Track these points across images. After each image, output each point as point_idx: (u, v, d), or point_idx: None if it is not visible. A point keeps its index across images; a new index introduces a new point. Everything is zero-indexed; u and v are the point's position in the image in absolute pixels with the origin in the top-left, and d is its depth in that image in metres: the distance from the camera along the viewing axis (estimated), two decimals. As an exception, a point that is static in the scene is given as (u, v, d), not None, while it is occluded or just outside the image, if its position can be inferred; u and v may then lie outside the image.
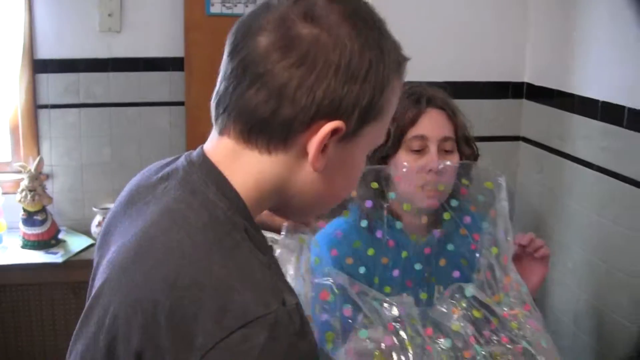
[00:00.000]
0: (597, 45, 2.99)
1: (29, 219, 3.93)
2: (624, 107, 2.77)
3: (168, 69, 4.19)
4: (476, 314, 1.64)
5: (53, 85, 4.12)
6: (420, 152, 2.28)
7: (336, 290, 1.71)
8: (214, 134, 1.33)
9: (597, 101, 2.93)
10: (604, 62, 2.93)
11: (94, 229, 4.10)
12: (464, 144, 2.40)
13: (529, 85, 3.51)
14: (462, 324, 1.63)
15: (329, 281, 1.72)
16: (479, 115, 3.49)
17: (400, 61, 1.32)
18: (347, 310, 1.71)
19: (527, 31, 3.51)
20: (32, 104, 4.12)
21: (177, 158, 1.37)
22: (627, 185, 2.78)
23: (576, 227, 3.09)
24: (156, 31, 4.17)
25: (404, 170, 1.94)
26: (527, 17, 3.49)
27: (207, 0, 4.10)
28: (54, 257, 3.85)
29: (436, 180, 2.23)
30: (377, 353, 1.59)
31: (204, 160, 1.31)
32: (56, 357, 3.88)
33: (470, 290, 1.67)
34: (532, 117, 3.47)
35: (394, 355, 1.56)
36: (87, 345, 1.28)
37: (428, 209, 2.27)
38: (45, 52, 4.10)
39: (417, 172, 2.24)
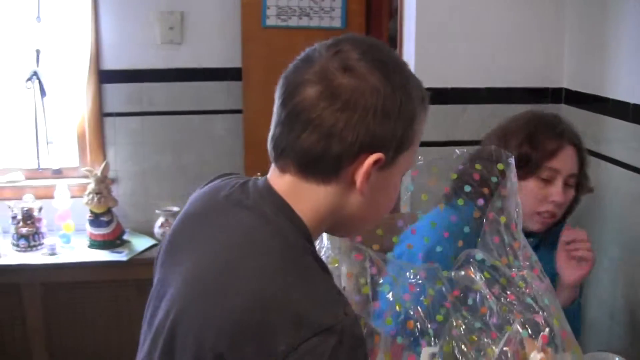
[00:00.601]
0: (628, 51, 3.09)
1: (96, 220, 4.13)
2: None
3: (226, 78, 4.36)
4: (486, 275, 1.78)
5: (117, 95, 4.32)
6: (548, 181, 2.42)
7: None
8: (275, 170, 1.54)
9: (628, 104, 3.05)
10: (636, 67, 3.04)
11: (157, 230, 4.29)
12: (584, 180, 2.55)
13: (567, 91, 3.59)
14: (481, 284, 1.78)
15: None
16: None
17: (423, 97, 1.54)
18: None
19: (564, 38, 3.57)
20: (98, 112, 4.32)
21: (244, 183, 1.58)
22: None
23: (611, 224, 3.18)
24: (215, 43, 4.34)
25: (420, 162, 2.06)
26: (564, 25, 3.56)
27: (263, 13, 4.25)
28: (119, 256, 4.04)
29: (553, 210, 2.42)
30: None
31: (272, 192, 1.52)
32: (120, 351, 4.04)
33: (480, 254, 1.81)
34: (571, 120, 3.57)
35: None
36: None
37: (535, 231, 2.47)
38: (110, 63, 4.29)
39: (539, 200, 2.41)
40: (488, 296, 1.74)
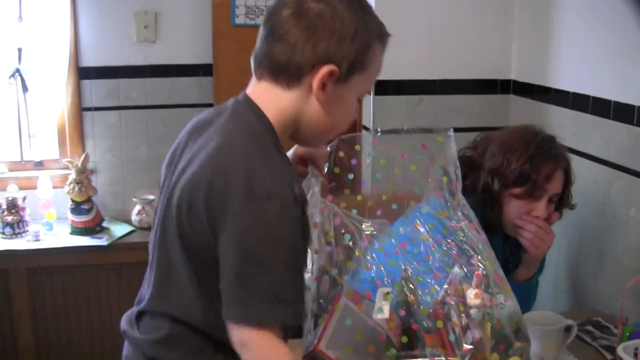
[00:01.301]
0: (568, 44, 3.33)
1: (77, 208, 4.31)
2: (588, 96, 3.14)
3: (198, 74, 4.53)
4: (430, 226, 2.02)
5: (96, 90, 4.47)
6: (534, 197, 2.65)
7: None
8: (253, 80, 1.88)
9: (568, 92, 3.29)
10: (576, 59, 3.28)
11: (134, 217, 4.46)
12: (567, 198, 2.79)
13: (515, 82, 3.81)
14: (427, 235, 2.02)
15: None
16: (471, 109, 3.86)
17: (381, 33, 1.88)
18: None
19: (513, 33, 3.80)
20: (78, 107, 4.47)
21: (227, 102, 1.91)
22: (590, 162, 3.17)
23: None
24: (187, 41, 4.51)
25: (378, 134, 2.25)
26: (513, 20, 3.78)
27: (232, 13, 4.43)
28: (99, 241, 4.21)
29: None
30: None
31: (246, 98, 1.85)
32: (101, 331, 4.29)
33: (425, 208, 2.06)
34: (519, 110, 3.78)
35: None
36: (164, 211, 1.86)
37: (515, 236, 2.72)
38: (89, 60, 4.44)
39: (523, 213, 2.65)
40: (431, 245, 1.99)
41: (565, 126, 3.32)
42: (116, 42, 4.47)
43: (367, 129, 3.83)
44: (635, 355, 2.35)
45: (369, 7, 1.87)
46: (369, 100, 3.75)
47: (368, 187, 2.28)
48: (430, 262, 1.96)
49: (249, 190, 1.67)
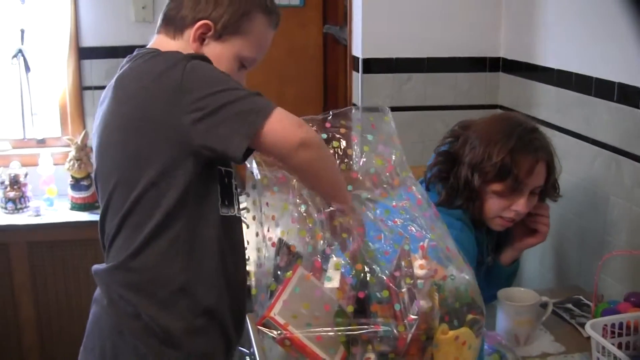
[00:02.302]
0: (553, 22, 3.37)
1: (76, 184, 4.41)
2: (572, 73, 3.18)
3: None
4: (374, 209, 2.05)
5: (96, 70, 4.54)
6: (515, 191, 2.58)
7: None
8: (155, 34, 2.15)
9: (553, 69, 3.33)
10: (560, 36, 3.32)
11: None
12: (551, 189, 2.74)
13: (504, 60, 3.85)
14: (371, 216, 2.06)
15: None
16: (460, 87, 3.89)
17: (268, 7, 2.11)
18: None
19: (501, 11, 3.83)
20: (78, 86, 4.54)
21: None
22: (573, 138, 3.20)
23: None
24: None
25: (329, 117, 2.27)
26: None
27: None
28: (99, 216, 4.27)
29: (514, 217, 2.63)
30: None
31: (146, 48, 2.09)
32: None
33: (365, 194, 2.09)
34: (508, 87, 3.82)
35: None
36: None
37: (494, 230, 2.73)
38: (89, 40, 4.51)
39: (503, 207, 2.60)
40: (382, 224, 2.02)
41: (550, 103, 3.36)
42: (115, 23, 4.53)
43: (355, 105, 3.88)
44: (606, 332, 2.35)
45: None
46: (358, 78, 3.80)
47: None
48: (382, 241, 1.99)
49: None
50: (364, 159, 2.08)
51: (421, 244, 1.91)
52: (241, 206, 2.14)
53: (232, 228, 2.10)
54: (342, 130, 2.07)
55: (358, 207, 2.02)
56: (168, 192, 1.93)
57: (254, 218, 2.06)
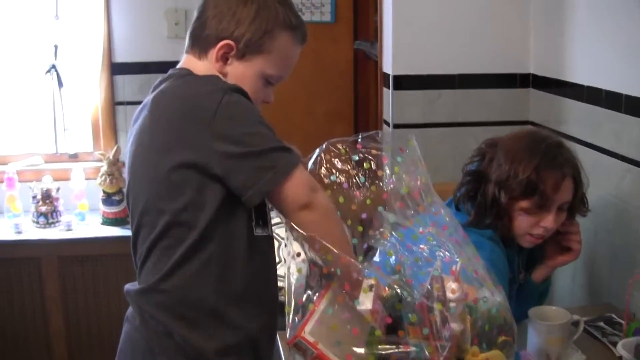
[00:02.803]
0: (582, 38, 3.35)
1: (108, 199, 4.44)
2: (601, 89, 3.17)
3: None
4: (399, 234, 2.06)
5: (128, 85, 4.59)
6: (543, 207, 2.58)
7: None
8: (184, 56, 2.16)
9: (583, 86, 3.31)
10: (590, 52, 3.31)
11: None
12: (580, 203, 2.73)
13: (534, 76, 3.83)
14: (394, 245, 2.05)
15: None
16: (491, 103, 3.87)
17: (293, 25, 2.09)
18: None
19: (530, 27, 3.82)
20: (111, 101, 4.59)
21: None
22: (603, 155, 3.17)
23: None
24: None
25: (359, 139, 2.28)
26: (529, 14, 3.81)
27: None
28: (129, 231, 4.24)
29: (543, 233, 2.63)
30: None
31: (178, 68, 2.13)
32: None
33: (392, 217, 2.10)
34: (538, 104, 3.79)
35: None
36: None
37: (527, 247, 2.72)
38: (122, 56, 4.57)
39: (532, 224, 2.60)
40: (399, 256, 2.02)
41: (581, 120, 3.35)
42: (148, 39, 4.58)
43: (387, 123, 3.88)
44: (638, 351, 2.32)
45: (288, 2, 2.12)
46: (389, 95, 3.81)
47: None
48: (403, 271, 1.99)
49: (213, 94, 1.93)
50: (394, 181, 2.09)
51: (453, 267, 1.91)
52: (273, 221, 2.15)
53: (265, 247, 2.11)
54: (373, 152, 2.09)
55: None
56: (199, 216, 1.95)
57: (285, 234, 2.06)
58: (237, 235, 2.01)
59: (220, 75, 2.04)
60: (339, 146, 2.10)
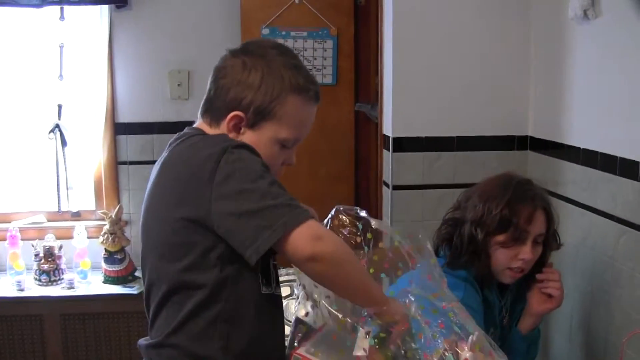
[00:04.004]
0: (579, 101, 3.40)
1: (110, 257, 4.48)
2: (597, 152, 3.21)
3: None
4: (421, 307, 2.08)
5: (131, 145, 4.67)
6: (519, 240, 2.67)
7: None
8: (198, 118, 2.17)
9: (579, 148, 3.36)
10: (586, 116, 3.36)
11: None
12: (552, 238, 2.82)
13: (532, 138, 3.85)
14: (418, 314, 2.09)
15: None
16: (489, 165, 3.84)
17: (301, 86, 2.08)
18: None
19: (529, 91, 3.84)
20: (114, 161, 4.66)
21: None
22: (599, 217, 3.18)
23: (567, 258, 3.39)
24: None
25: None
26: (529, 79, 3.84)
27: None
28: (131, 290, 4.37)
29: (522, 266, 2.70)
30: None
31: (193, 128, 2.13)
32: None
33: (417, 289, 2.07)
34: (536, 166, 3.80)
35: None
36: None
37: (507, 284, 2.79)
38: (125, 116, 4.65)
39: (510, 257, 2.68)
40: (423, 324, 2.06)
41: (577, 182, 3.38)
42: (151, 100, 4.66)
43: (386, 184, 3.92)
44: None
45: (295, 64, 2.11)
46: (389, 156, 3.85)
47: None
48: (423, 341, 2.03)
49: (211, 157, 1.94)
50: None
51: (471, 338, 1.97)
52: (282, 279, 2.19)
53: (272, 306, 2.12)
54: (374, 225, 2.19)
55: (401, 303, 2.05)
56: (205, 276, 1.97)
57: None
58: (245, 294, 2.01)
59: None
60: (343, 217, 2.16)
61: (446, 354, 1.97)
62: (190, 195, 1.92)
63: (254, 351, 2.05)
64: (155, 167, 2.11)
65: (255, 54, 2.09)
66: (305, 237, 1.86)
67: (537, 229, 2.71)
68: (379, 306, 1.98)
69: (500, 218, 2.66)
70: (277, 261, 2.19)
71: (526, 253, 2.68)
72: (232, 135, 2.05)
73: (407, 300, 2.08)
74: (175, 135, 2.14)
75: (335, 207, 2.21)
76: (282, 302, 2.20)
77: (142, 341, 2.12)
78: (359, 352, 1.96)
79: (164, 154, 2.10)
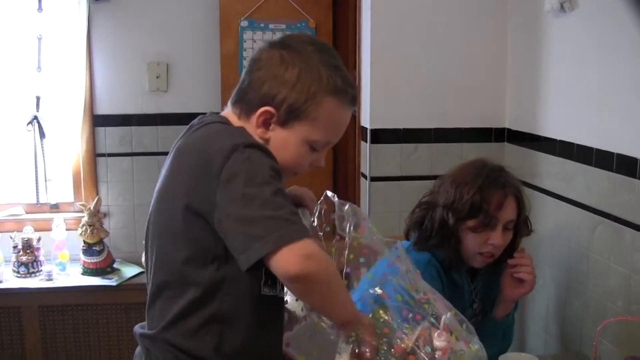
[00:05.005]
0: (555, 95, 3.44)
1: (89, 249, 4.47)
2: (573, 143, 3.24)
3: None
4: (399, 297, 2.05)
5: (110, 137, 4.66)
6: (489, 226, 2.73)
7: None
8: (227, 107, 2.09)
9: (555, 140, 3.39)
10: (562, 108, 3.39)
11: (144, 259, 4.55)
12: (523, 224, 2.87)
13: (509, 131, 3.90)
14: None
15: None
16: (466, 157, 3.75)
17: (339, 89, 1.98)
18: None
19: (506, 84, 3.90)
20: (92, 153, 4.66)
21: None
22: (575, 207, 3.23)
23: (544, 248, 3.49)
24: (197, 90, 4.68)
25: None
26: (506, 72, 3.89)
27: (240, 63, 4.62)
28: (109, 282, 4.36)
29: (492, 251, 2.76)
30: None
31: (217, 115, 2.07)
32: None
33: (397, 279, 2.07)
34: (513, 157, 3.83)
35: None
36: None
37: (477, 268, 2.85)
38: (103, 108, 4.64)
39: (481, 242, 2.73)
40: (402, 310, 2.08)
41: (554, 173, 3.42)
42: (129, 92, 4.66)
43: (364, 176, 3.94)
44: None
45: (335, 64, 1.99)
46: (366, 148, 3.87)
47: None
48: (397, 322, 2.05)
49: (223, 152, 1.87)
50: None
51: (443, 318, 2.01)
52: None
53: (272, 307, 2.08)
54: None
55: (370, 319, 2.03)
56: (201, 272, 1.93)
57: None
58: (242, 294, 1.97)
59: (260, 139, 1.98)
60: (333, 201, 2.16)
61: (419, 341, 1.97)
62: (198, 186, 1.87)
63: (247, 351, 2.02)
64: (172, 150, 2.05)
65: (294, 49, 1.99)
66: (295, 255, 1.77)
67: (508, 216, 2.76)
68: (352, 320, 1.97)
69: (471, 204, 2.71)
70: None
71: (496, 238, 2.73)
72: (259, 131, 1.98)
73: (385, 291, 2.09)
74: (197, 118, 2.08)
75: (325, 191, 2.21)
76: (283, 304, 2.15)
77: (138, 329, 2.10)
78: (340, 358, 1.97)
79: (182, 138, 2.05)
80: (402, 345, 1.97)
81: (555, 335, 3.48)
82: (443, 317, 2.04)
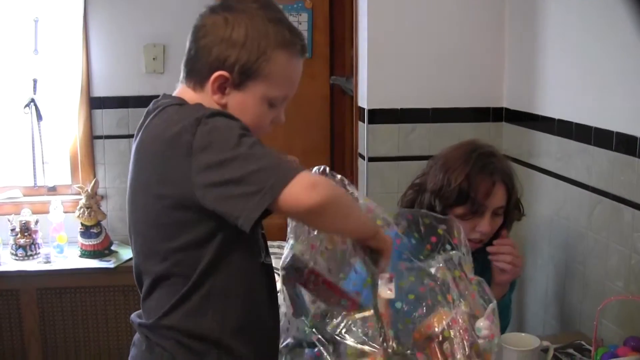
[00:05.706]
0: (553, 73, 3.43)
1: (86, 232, 4.46)
2: (572, 122, 3.23)
3: None
4: (411, 278, 2.16)
5: (107, 119, 4.65)
6: (477, 213, 2.73)
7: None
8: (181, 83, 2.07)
9: (553, 119, 3.38)
10: (560, 87, 3.37)
11: None
12: (514, 208, 2.86)
13: (507, 110, 3.89)
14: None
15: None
16: (464, 137, 3.74)
17: (288, 42, 1.98)
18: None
19: (504, 63, 3.88)
20: (89, 135, 4.64)
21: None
22: (574, 187, 3.22)
23: (543, 228, 3.48)
24: None
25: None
26: (503, 51, 3.87)
27: None
28: (107, 264, 4.36)
29: (480, 238, 2.76)
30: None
31: (171, 96, 2.05)
32: (108, 350, 4.43)
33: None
34: (511, 137, 3.84)
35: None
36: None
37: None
38: (100, 90, 4.63)
39: (469, 229, 2.70)
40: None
41: (552, 153, 3.40)
42: (126, 74, 4.65)
43: (362, 156, 3.93)
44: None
45: (279, 17, 2.01)
46: (364, 128, 3.87)
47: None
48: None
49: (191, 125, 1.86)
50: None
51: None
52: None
53: (264, 276, 2.09)
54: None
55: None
56: (198, 256, 1.93)
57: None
58: (236, 267, 1.98)
59: (218, 106, 1.97)
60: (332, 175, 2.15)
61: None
62: (169, 172, 1.86)
63: (250, 322, 2.03)
64: (134, 142, 2.03)
65: (237, 9, 1.97)
66: (298, 192, 1.76)
67: (496, 203, 2.75)
68: (374, 238, 1.99)
69: (458, 191, 2.70)
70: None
71: (484, 226, 2.74)
72: (216, 97, 1.96)
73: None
74: (152, 102, 2.06)
75: (323, 166, 2.18)
76: (273, 271, 2.15)
77: (135, 318, 2.09)
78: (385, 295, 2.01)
79: (142, 125, 2.03)
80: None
81: (555, 315, 3.48)
82: (490, 305, 2.11)
